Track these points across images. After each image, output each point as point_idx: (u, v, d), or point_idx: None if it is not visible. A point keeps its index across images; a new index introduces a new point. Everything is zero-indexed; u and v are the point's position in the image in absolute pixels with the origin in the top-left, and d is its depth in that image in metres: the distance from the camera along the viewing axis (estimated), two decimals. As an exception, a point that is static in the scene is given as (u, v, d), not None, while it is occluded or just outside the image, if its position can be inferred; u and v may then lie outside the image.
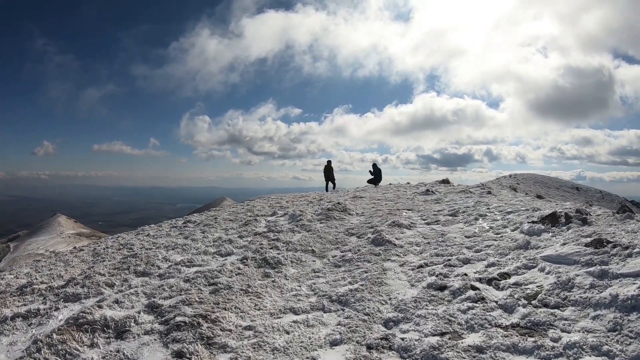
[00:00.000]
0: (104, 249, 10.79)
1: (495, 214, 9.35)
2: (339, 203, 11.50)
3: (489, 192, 14.10)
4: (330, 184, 23.12)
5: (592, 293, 4.47)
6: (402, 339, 4.34)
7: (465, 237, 7.82)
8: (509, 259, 6.05)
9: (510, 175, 39.87)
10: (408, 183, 21.07)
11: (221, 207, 21.16)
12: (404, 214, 10.53)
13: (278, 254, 7.72)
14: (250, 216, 13.22)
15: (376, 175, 22.24)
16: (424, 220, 9.65)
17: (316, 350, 4.37)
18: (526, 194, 21.93)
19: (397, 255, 7.14)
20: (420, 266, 6.45)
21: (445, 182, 19.67)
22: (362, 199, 14.28)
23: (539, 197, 17.20)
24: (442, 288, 5.42)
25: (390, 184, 21.43)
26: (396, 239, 7.94)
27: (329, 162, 23.08)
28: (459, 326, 4.44)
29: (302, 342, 4.53)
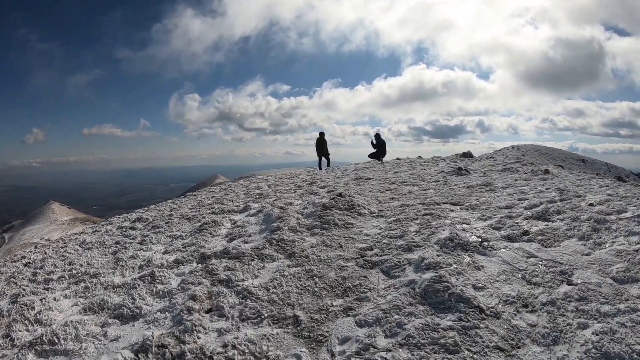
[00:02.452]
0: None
1: (622, 222, 5.03)
2: (340, 195, 7.02)
3: (546, 172, 9.80)
4: (324, 160, 18.72)
5: None
6: None
7: (614, 280, 3.54)
8: None
9: (512, 147, 36.30)
10: (420, 157, 16.70)
11: (198, 192, 16.87)
12: (450, 212, 6.16)
13: (217, 339, 3.37)
14: (213, 212, 9.03)
15: (380, 147, 17.82)
16: (496, 229, 5.26)
17: None
18: (547, 170, 17.77)
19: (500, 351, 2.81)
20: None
21: (468, 155, 15.33)
22: (369, 182, 9.96)
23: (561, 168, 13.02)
24: None
25: (398, 158, 17.04)
26: (476, 287, 3.57)
27: (322, 134, 18.60)
28: None
29: None
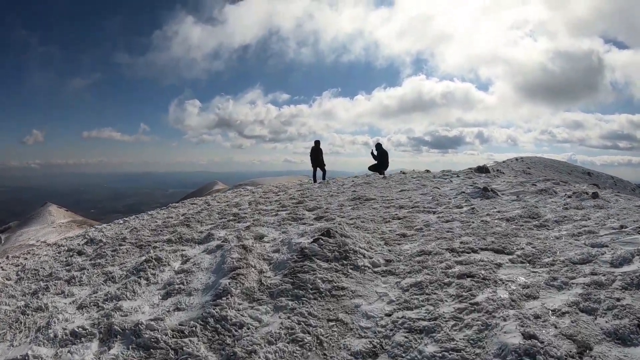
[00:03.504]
0: None
1: None
2: (328, 233, 4.64)
3: (595, 196, 7.50)
4: (319, 171, 16.48)
5: None
6: None
7: None
8: None
9: (516, 159, 34.10)
10: (428, 171, 14.37)
11: (181, 204, 14.73)
12: (499, 270, 3.81)
13: None
14: (170, 240, 7.09)
15: (381, 159, 15.55)
16: (588, 313, 2.95)
17: None
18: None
19: None
20: None
21: (484, 170, 13.03)
22: (370, 206, 7.65)
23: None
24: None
25: (402, 172, 14.71)
26: None
27: (317, 142, 16.35)
28: None
29: None
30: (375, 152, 15.70)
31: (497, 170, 23.57)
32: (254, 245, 5.14)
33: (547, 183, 9.70)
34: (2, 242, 73.93)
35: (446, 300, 3.23)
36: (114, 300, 4.94)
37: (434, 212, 6.56)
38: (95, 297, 5.18)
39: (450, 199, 7.72)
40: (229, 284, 3.86)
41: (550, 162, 35.58)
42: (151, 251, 6.48)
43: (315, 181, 16.07)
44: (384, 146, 15.74)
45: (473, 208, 6.55)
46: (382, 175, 14.39)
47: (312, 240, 4.43)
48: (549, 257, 4.22)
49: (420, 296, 3.35)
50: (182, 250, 6.49)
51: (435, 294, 3.36)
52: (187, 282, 4.88)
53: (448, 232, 5.19)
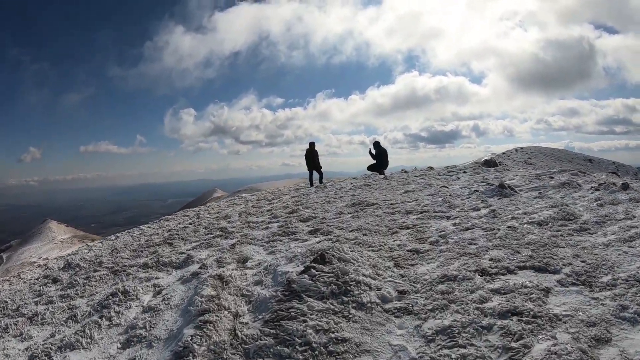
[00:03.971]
0: None
1: None
2: (322, 258, 3.62)
3: (626, 186, 6.53)
4: (316, 174, 15.47)
5: None
6: None
7: None
8: None
9: (516, 149, 33.34)
10: (431, 168, 13.37)
11: (173, 216, 13.82)
12: (549, 299, 2.81)
13: None
14: (146, 264, 6.29)
15: (380, 158, 14.55)
16: None
17: None
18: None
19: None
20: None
21: (493, 164, 12.05)
22: (372, 213, 6.63)
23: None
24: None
25: (404, 171, 13.70)
26: None
27: (312, 144, 15.35)
28: None
29: None
30: (373, 151, 14.73)
31: (502, 163, 22.61)
32: (233, 274, 4.17)
33: (565, 175, 8.75)
34: (4, 260, 73.09)
35: (490, 358, 2.25)
36: (66, 350, 4.07)
37: (448, 218, 5.57)
38: (51, 343, 4.47)
39: (463, 199, 6.74)
40: (193, 338, 2.88)
41: (550, 151, 34.74)
42: (119, 283, 5.52)
43: (311, 184, 15.10)
44: (382, 144, 14.76)
45: (493, 210, 5.56)
46: (382, 175, 13.41)
47: (302, 268, 3.45)
48: (606, 275, 3.25)
49: (451, 350, 2.38)
50: (157, 278, 5.54)
51: (472, 345, 2.39)
52: (151, 326, 3.93)
53: (471, 244, 4.21)
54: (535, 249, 3.84)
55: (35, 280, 7.56)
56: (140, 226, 12.64)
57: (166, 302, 4.45)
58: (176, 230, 8.88)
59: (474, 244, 4.19)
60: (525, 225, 4.68)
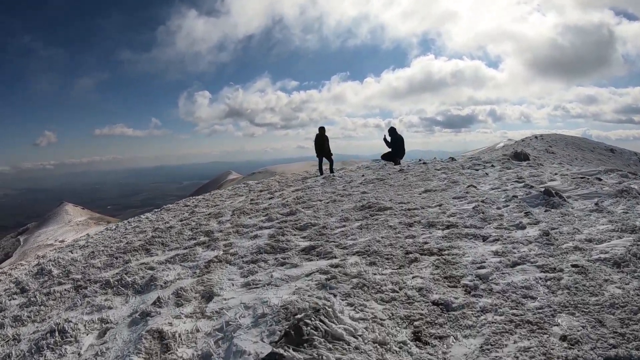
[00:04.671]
0: None
1: None
2: (298, 332, 2.31)
3: None
4: (325, 161, 14.19)
5: None
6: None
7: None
8: None
9: (536, 137, 31.08)
10: (452, 159, 11.85)
11: (163, 209, 12.91)
12: None
13: None
14: (108, 283, 5.25)
15: (395, 146, 13.14)
16: None
17: None
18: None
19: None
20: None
21: (523, 157, 10.52)
22: (384, 222, 5.23)
23: None
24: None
25: (421, 161, 12.22)
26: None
27: (322, 129, 13.99)
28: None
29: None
30: (388, 138, 13.30)
31: (532, 155, 20.92)
32: (181, 329, 2.96)
33: (614, 176, 7.26)
34: (22, 243, 74.59)
35: None
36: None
37: (485, 239, 4.21)
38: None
39: (499, 208, 5.34)
40: None
41: (571, 139, 32.66)
42: (61, 317, 4.38)
43: (321, 173, 13.82)
44: (398, 131, 13.31)
45: (546, 233, 4.13)
46: (397, 166, 12.03)
47: (268, 348, 2.18)
48: None
49: None
50: (109, 308, 4.39)
51: None
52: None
53: (526, 297, 2.85)
54: (626, 317, 2.50)
55: (6, 288, 6.63)
56: (142, 216, 11.73)
57: (102, 356, 3.28)
58: (162, 229, 7.78)
59: (531, 297, 2.83)
60: (598, 264, 3.30)
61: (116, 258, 6.45)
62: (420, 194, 7.05)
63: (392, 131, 13.19)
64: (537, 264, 3.45)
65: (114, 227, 11.11)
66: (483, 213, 5.10)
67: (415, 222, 5.16)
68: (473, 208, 5.32)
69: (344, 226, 5.55)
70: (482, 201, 5.68)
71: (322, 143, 13.78)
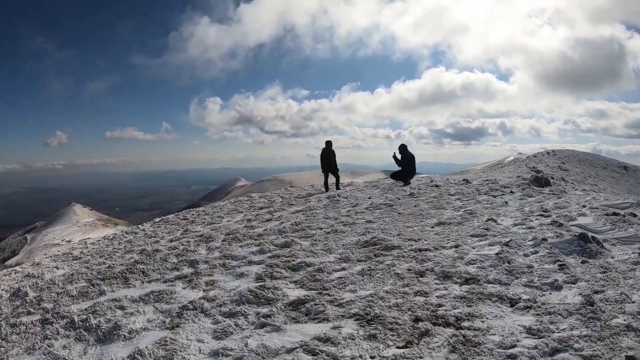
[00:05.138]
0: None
1: None
2: None
3: None
4: (332, 177, 13.50)
5: None
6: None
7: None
8: None
9: (548, 152, 30.05)
10: (467, 181, 10.95)
11: (161, 221, 12.32)
12: None
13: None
14: (70, 323, 4.53)
15: (406, 164, 12.36)
16: None
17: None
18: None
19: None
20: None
21: (544, 182, 9.64)
22: (389, 267, 4.41)
23: None
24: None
25: (433, 182, 11.31)
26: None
27: (329, 143, 13.31)
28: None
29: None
30: (398, 156, 12.54)
31: (554, 177, 19.95)
32: None
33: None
34: (28, 241, 75.09)
35: None
36: None
37: (513, 302, 3.40)
38: None
39: (527, 255, 4.52)
40: None
41: (583, 155, 31.58)
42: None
43: (326, 189, 13.09)
44: (409, 149, 12.54)
45: (590, 302, 3.34)
46: (407, 186, 11.24)
47: None
48: None
49: None
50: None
51: None
52: None
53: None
54: None
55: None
56: (140, 226, 11.11)
57: None
58: (147, 253, 7.11)
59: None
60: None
61: (93, 286, 5.79)
62: (433, 227, 6.25)
63: (403, 149, 12.43)
64: (582, 353, 2.65)
65: (111, 236, 10.60)
66: (509, 262, 4.30)
67: (427, 269, 4.37)
68: (496, 255, 4.51)
69: (343, 269, 4.78)
70: (506, 244, 4.87)
71: (328, 158, 13.09)
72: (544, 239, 4.93)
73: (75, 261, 7.67)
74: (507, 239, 5.08)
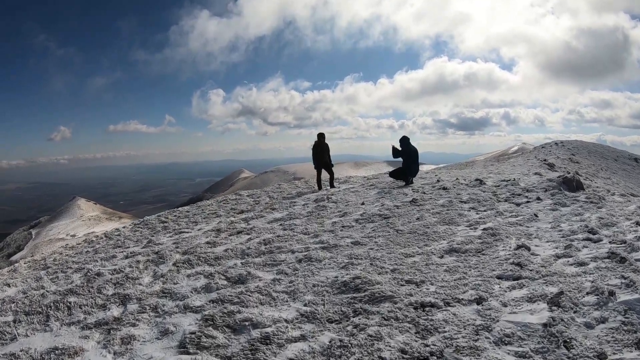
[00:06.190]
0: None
1: None
2: None
3: None
4: (325, 173, 11.86)
5: None
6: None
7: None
8: None
9: (556, 143, 28.44)
10: (480, 181, 8.97)
11: (141, 223, 10.88)
12: None
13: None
14: None
15: (408, 159, 10.50)
16: None
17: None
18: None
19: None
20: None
21: (576, 185, 7.82)
22: (372, 343, 2.83)
23: None
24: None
25: (443, 186, 9.29)
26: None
27: (321, 136, 11.57)
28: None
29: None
30: (399, 149, 10.63)
31: (581, 174, 18.28)
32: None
33: None
34: (33, 236, 74.68)
35: None
36: None
37: None
38: None
39: (591, 326, 2.75)
40: None
41: (593, 146, 29.82)
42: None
43: (319, 187, 11.48)
44: (411, 142, 10.70)
45: None
46: (408, 187, 9.48)
47: None
48: None
49: None
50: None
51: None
52: None
53: None
54: None
55: None
56: (118, 229, 9.90)
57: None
58: (89, 277, 5.66)
59: None
60: None
61: (15, 322, 4.40)
62: (442, 256, 4.52)
63: (405, 141, 10.56)
64: None
65: (92, 238, 9.48)
66: (566, 345, 2.57)
67: (432, 353, 2.66)
68: (544, 327, 2.77)
69: (303, 338, 3.10)
70: (556, 301, 3.13)
71: (322, 153, 11.42)
72: (611, 294, 3.18)
73: (43, 271, 6.52)
74: (555, 289, 3.34)
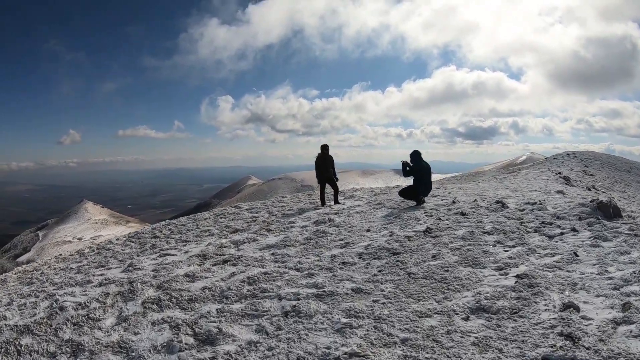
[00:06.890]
0: None
1: None
2: None
3: None
4: (329, 188, 10.91)
5: None
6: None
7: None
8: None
9: (568, 154, 27.52)
10: (502, 204, 7.90)
11: (132, 237, 9.76)
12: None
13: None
14: None
15: (419, 177, 9.43)
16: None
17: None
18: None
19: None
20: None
21: (614, 211, 6.75)
22: None
23: None
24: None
25: (456, 204, 8.16)
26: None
27: (325, 148, 10.62)
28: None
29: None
30: (409, 166, 9.57)
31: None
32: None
33: None
34: (40, 238, 74.71)
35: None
36: None
37: None
38: None
39: None
40: None
41: (606, 158, 28.86)
42: None
43: (323, 203, 10.62)
44: (422, 158, 9.63)
45: None
46: (419, 208, 8.45)
47: None
48: None
49: None
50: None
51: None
52: None
53: None
54: None
55: None
56: (111, 242, 9.58)
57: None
58: (49, 313, 4.81)
59: None
60: None
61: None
62: (467, 318, 3.50)
63: (416, 156, 9.50)
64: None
65: (86, 250, 9.07)
66: None
67: None
68: None
69: None
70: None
71: (325, 166, 10.51)
72: None
73: (27, 287, 6.12)
74: None
